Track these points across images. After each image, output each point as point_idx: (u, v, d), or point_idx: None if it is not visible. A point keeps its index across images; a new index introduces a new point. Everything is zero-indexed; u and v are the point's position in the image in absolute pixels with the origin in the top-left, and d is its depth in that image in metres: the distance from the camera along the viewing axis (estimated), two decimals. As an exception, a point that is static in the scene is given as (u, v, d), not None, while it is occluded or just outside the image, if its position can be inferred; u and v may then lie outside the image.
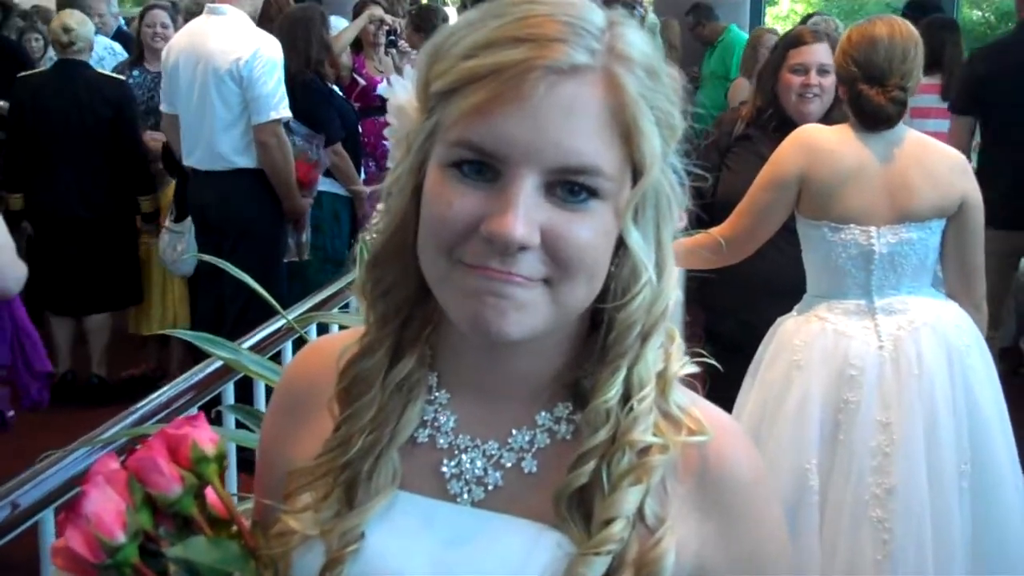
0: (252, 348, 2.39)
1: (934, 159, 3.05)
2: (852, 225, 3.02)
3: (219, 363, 2.35)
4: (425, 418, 1.06)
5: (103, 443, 2.10)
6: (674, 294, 1.03)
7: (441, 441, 1.05)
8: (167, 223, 5.50)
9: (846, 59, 3.03)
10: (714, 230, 3.14)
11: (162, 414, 2.29)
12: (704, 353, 1.25)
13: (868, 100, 2.98)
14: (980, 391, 3.03)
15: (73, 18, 5.66)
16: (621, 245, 0.99)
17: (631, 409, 0.99)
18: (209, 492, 1.12)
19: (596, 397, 0.99)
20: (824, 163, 3.04)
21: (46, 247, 5.64)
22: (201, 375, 2.45)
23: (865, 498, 2.95)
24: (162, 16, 6.25)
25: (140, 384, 5.53)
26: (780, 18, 14.51)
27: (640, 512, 0.98)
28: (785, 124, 3.64)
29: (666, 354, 1.03)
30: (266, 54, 4.72)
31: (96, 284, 5.66)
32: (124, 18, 9.17)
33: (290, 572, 1.05)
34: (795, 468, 3.00)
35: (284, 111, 4.78)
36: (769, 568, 1.06)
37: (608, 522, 0.96)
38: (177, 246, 5.34)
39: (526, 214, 0.92)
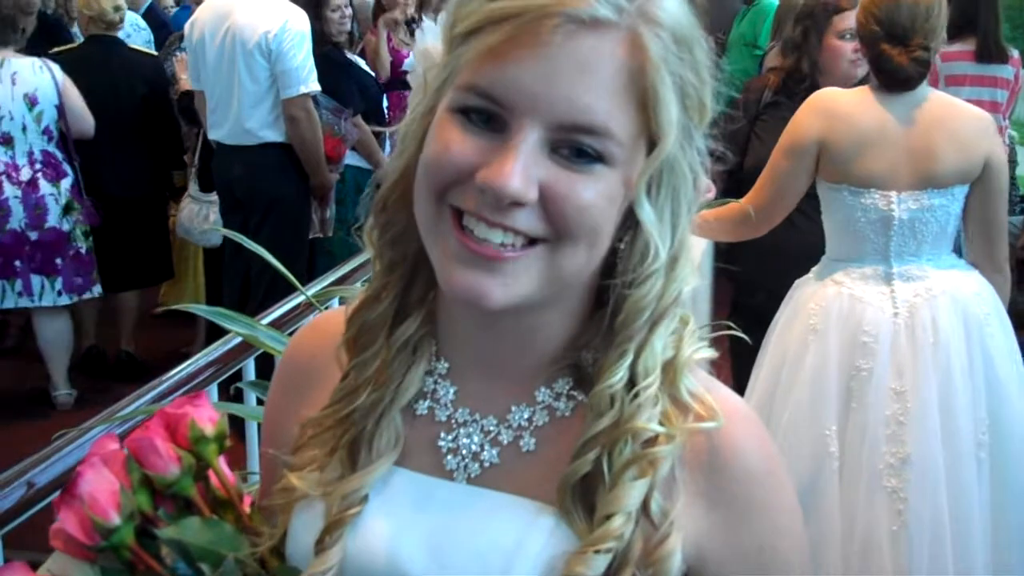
0: (272, 324, 2.36)
1: (959, 120, 2.99)
2: (873, 190, 2.97)
3: (240, 339, 2.33)
4: (425, 389, 1.04)
5: (121, 420, 2.08)
6: (692, 282, 0.99)
7: (440, 414, 1.03)
8: (191, 191, 5.48)
9: (868, 18, 2.96)
10: (741, 201, 3.09)
11: (181, 390, 2.27)
12: (732, 326, 1.20)
13: (889, 60, 2.91)
14: (999, 360, 2.98)
15: None
16: (631, 220, 0.95)
17: (635, 396, 0.95)
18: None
19: (601, 381, 0.96)
20: (842, 127, 2.98)
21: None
22: (221, 351, 2.43)
23: (879, 467, 2.92)
24: None
25: (171, 360, 5.53)
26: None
27: (645, 506, 0.94)
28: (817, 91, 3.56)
29: (678, 339, 0.99)
30: (294, 27, 4.67)
31: (128, 262, 5.67)
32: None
33: (289, 528, 1.04)
34: (814, 434, 2.97)
35: (313, 84, 4.74)
36: (780, 564, 1.01)
37: (609, 517, 0.93)
38: (210, 216, 5.31)
39: (524, 167, 0.88)
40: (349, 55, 5.59)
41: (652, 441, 0.95)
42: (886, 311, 2.98)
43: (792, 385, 3.06)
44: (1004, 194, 3.03)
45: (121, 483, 1.04)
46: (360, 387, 1.02)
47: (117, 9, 5.59)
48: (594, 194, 0.90)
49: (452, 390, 1.03)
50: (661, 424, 0.95)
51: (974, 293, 3.00)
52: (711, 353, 1.02)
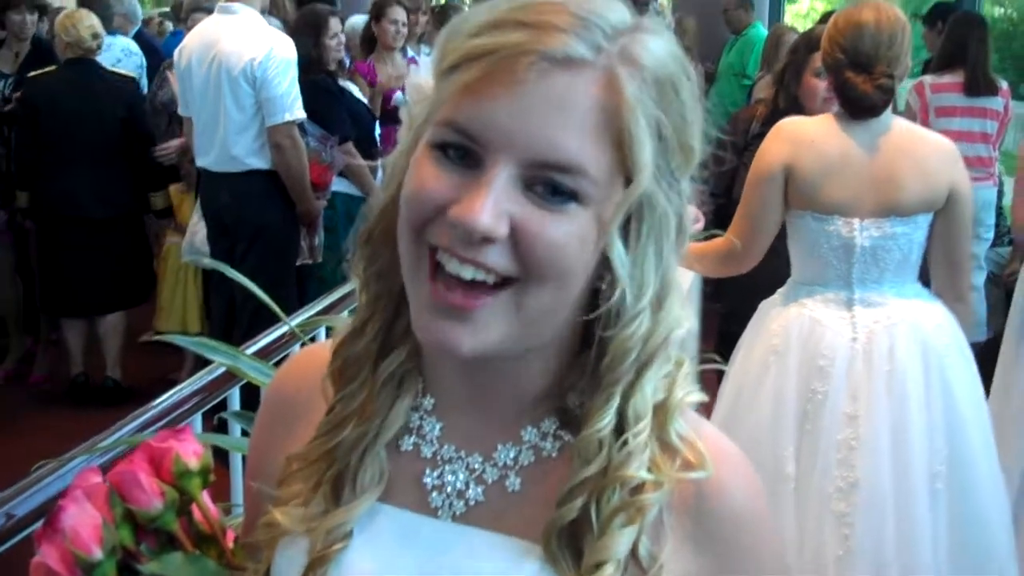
0: (257, 353, 2.34)
1: (923, 149, 3.00)
2: (836, 216, 2.98)
3: (224, 368, 2.31)
4: (410, 425, 1.03)
5: (103, 450, 2.06)
6: (685, 323, 0.98)
7: (425, 450, 1.02)
8: (197, 218, 5.42)
9: (832, 47, 2.98)
10: (726, 234, 3.10)
11: (164, 420, 2.25)
12: (717, 358, 1.20)
13: (854, 88, 2.93)
14: (959, 392, 2.98)
15: (92, 19, 5.65)
16: (611, 260, 0.94)
17: (625, 443, 0.94)
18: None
19: (588, 425, 0.94)
20: (808, 153, 2.99)
21: (58, 248, 5.65)
22: (206, 380, 2.40)
23: (829, 491, 2.92)
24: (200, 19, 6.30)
25: (159, 386, 5.51)
26: (800, 16, 14.42)
27: (634, 551, 0.93)
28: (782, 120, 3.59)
29: (670, 382, 0.97)
30: (280, 54, 4.68)
31: (109, 283, 5.65)
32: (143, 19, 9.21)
33: (273, 564, 1.03)
34: (772, 455, 2.98)
35: (299, 112, 4.74)
36: None
37: (599, 565, 0.92)
38: None
39: (495, 204, 0.88)
40: (341, 82, 5.59)
41: (640, 488, 0.94)
42: (845, 335, 2.99)
43: (752, 405, 3.08)
44: (968, 225, 3.03)
45: (103, 517, 1.03)
46: (346, 420, 1.01)
47: (95, 36, 5.60)
48: (565, 233, 0.90)
49: (438, 426, 1.02)
50: (650, 471, 0.94)
51: (935, 324, 3.01)
52: (702, 397, 1.01)
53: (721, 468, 0.98)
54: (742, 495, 1.00)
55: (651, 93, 0.91)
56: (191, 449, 1.11)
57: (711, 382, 3.38)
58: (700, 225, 3.59)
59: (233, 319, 4.82)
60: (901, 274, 3.03)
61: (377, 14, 6.13)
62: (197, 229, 5.34)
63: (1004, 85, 5.76)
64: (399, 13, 6.01)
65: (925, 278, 3.12)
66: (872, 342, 2.97)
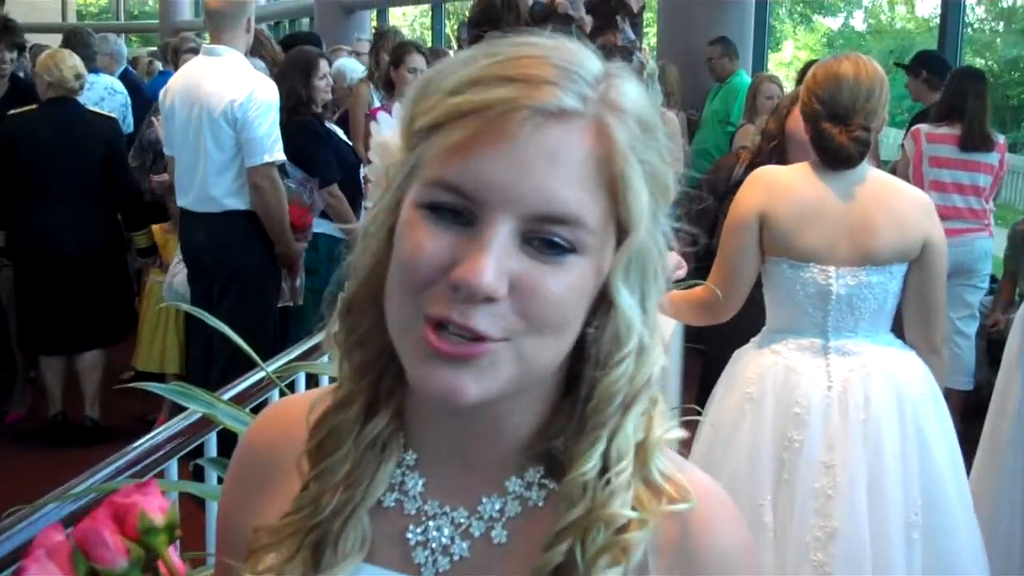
0: (233, 399, 2.31)
1: (897, 199, 3.02)
2: (812, 264, 2.99)
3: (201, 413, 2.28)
4: (392, 481, 1.00)
5: (75, 497, 2.03)
6: (660, 362, 0.97)
7: (408, 507, 1.00)
8: (178, 259, 5.42)
9: (810, 96, 3.00)
10: (707, 282, 3.10)
11: (139, 466, 2.21)
12: (697, 409, 1.19)
13: (830, 139, 2.95)
14: (934, 442, 2.98)
15: (75, 60, 5.67)
16: (601, 306, 0.94)
17: (608, 483, 0.93)
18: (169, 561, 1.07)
19: (574, 469, 0.93)
20: (782, 201, 3.00)
21: (36, 285, 5.63)
22: (181, 425, 2.36)
23: (807, 540, 2.90)
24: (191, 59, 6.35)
25: (139, 427, 5.47)
26: (783, 64, 14.55)
27: None
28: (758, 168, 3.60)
29: (648, 420, 0.97)
30: (260, 96, 4.68)
31: (86, 320, 5.64)
32: (129, 60, 9.28)
33: None
34: (750, 504, 2.95)
35: (278, 154, 4.73)
36: None
37: None
38: None
39: (497, 262, 0.86)
40: (328, 124, 5.61)
41: (625, 527, 0.93)
42: (820, 384, 2.99)
43: (728, 452, 3.06)
44: (942, 276, 3.04)
45: (67, 577, 1.01)
46: (325, 494, 0.98)
47: (77, 76, 5.61)
48: (564, 286, 0.89)
49: (421, 482, 1.00)
50: (634, 508, 0.93)
51: (910, 373, 3.01)
52: (681, 433, 1.01)
53: (706, 507, 0.97)
54: (728, 534, 0.99)
55: (640, 137, 0.91)
56: (156, 504, 1.09)
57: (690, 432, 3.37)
58: (683, 271, 3.60)
59: (211, 361, 4.79)
60: (875, 323, 3.04)
61: (396, 61, 6.15)
62: (178, 271, 5.34)
63: (1001, 139, 5.81)
64: (418, 60, 6.04)
65: (899, 331, 3.13)
66: (847, 391, 2.97)
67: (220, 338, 4.51)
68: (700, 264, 3.63)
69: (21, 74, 6.88)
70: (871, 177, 3.03)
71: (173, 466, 2.40)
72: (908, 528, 2.91)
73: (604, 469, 0.93)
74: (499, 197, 0.87)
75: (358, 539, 0.98)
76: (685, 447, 1.04)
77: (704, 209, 3.85)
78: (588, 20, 2.97)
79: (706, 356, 4.03)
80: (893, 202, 2.99)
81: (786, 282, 3.03)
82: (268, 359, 2.90)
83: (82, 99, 5.77)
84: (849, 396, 2.96)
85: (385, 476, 0.99)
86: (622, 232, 0.92)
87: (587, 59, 0.92)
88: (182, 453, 2.40)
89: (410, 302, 0.90)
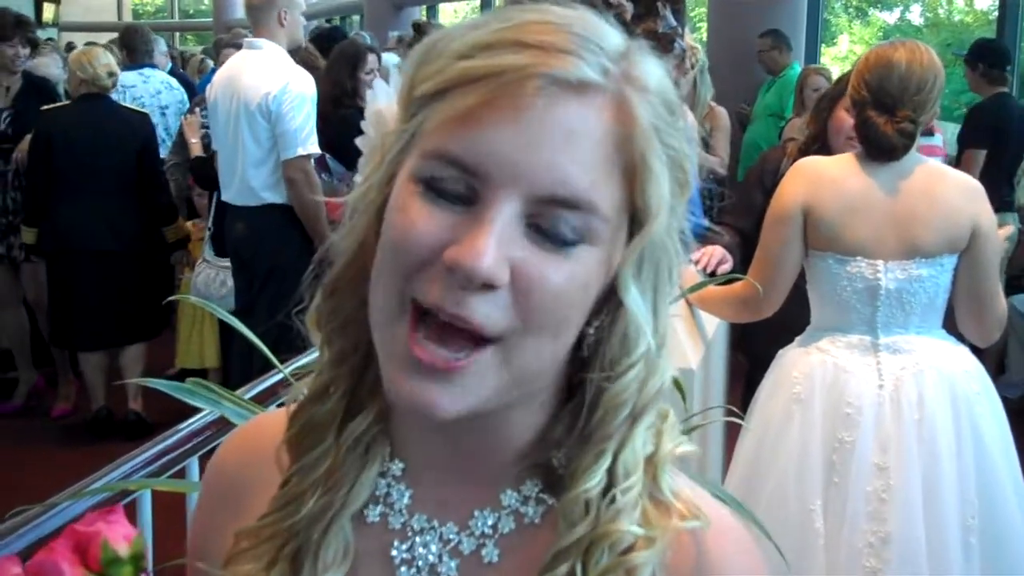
0: (254, 398, 2.23)
1: (943, 187, 2.89)
2: (859, 258, 2.87)
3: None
4: (377, 493, 0.92)
5: (90, 495, 1.97)
6: (672, 370, 0.88)
7: (393, 521, 0.91)
8: (206, 255, 5.47)
9: (859, 81, 2.88)
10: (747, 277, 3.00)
11: (155, 465, 2.16)
12: (736, 412, 1.10)
13: (874, 128, 2.83)
14: (989, 441, 2.85)
15: (108, 57, 5.72)
16: (606, 304, 0.84)
17: (613, 500, 0.84)
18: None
19: (576, 486, 0.84)
20: (827, 193, 2.89)
21: (75, 282, 5.63)
22: (197, 424, 2.29)
23: (859, 546, 2.78)
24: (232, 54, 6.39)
25: (182, 420, 5.46)
26: (838, 58, 14.33)
27: None
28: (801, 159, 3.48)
29: (657, 433, 0.88)
30: (295, 89, 4.66)
31: (129, 316, 5.65)
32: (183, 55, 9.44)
33: None
34: (800, 509, 2.85)
35: (312, 147, 4.70)
36: None
37: None
38: (227, 281, 5.28)
39: (499, 245, 0.77)
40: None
41: (631, 547, 0.84)
42: (871, 382, 2.87)
43: (776, 456, 2.94)
44: (994, 264, 2.92)
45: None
46: (305, 492, 0.90)
47: (111, 74, 5.67)
48: (569, 278, 0.80)
49: (407, 494, 0.91)
50: (640, 527, 0.84)
51: (963, 370, 2.89)
52: (693, 448, 0.92)
53: (722, 536, 0.88)
54: (743, 562, 0.90)
55: (663, 117, 0.83)
56: (121, 533, 1.01)
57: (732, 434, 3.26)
58: (728, 266, 3.50)
59: (252, 355, 4.76)
60: (927, 319, 2.92)
61: None
62: (200, 270, 5.38)
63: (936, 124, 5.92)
64: None
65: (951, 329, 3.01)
66: (900, 389, 2.85)
67: (261, 333, 4.49)
68: (746, 258, 3.53)
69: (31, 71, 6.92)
70: (919, 168, 2.91)
71: (194, 464, 2.34)
72: (965, 532, 2.79)
73: (609, 486, 0.85)
74: (506, 173, 0.78)
75: (340, 550, 0.90)
76: (728, 451, 0.95)
77: (751, 202, 3.75)
78: (629, 7, 2.89)
79: (752, 355, 3.92)
80: (940, 191, 2.87)
81: (832, 277, 2.92)
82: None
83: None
84: (902, 395, 2.85)
85: (368, 482, 0.91)
86: (636, 223, 0.83)
87: (608, 32, 0.84)
88: (203, 451, 2.33)
89: (396, 290, 0.82)
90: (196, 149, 5.74)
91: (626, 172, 0.81)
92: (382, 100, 1.30)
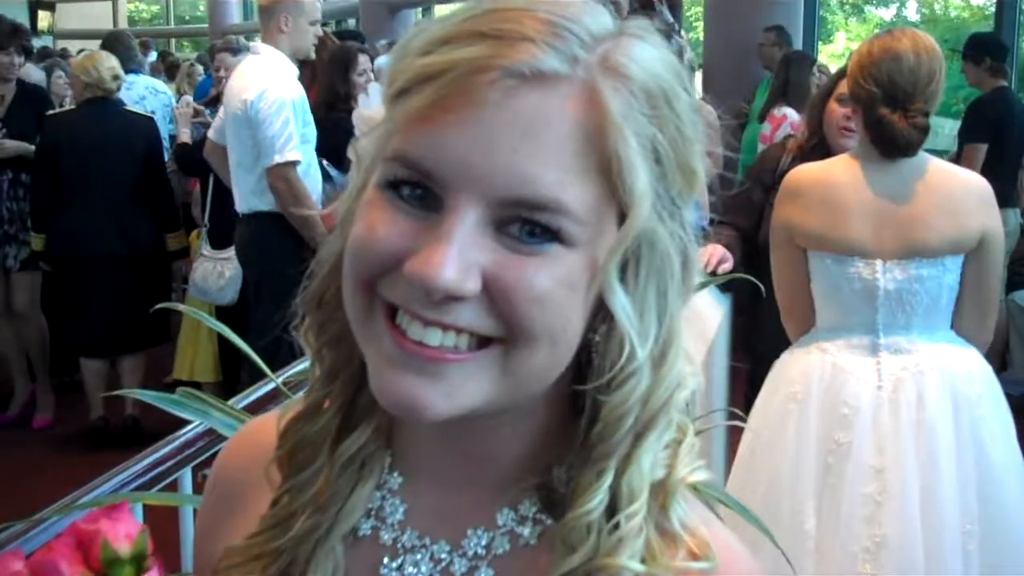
0: (248, 407, 2.19)
1: (950, 187, 2.81)
2: (856, 258, 2.81)
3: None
4: (370, 506, 0.87)
5: (80, 508, 1.92)
6: (689, 383, 0.82)
7: (384, 536, 0.86)
8: (203, 250, 5.48)
9: (865, 76, 2.77)
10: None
11: (147, 476, 2.12)
12: (739, 414, 1.05)
13: (890, 126, 2.73)
14: (992, 445, 2.78)
15: (112, 61, 5.71)
16: (606, 309, 0.78)
17: (616, 527, 0.78)
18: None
19: (576, 507, 0.79)
20: (806, 204, 2.86)
21: (83, 287, 5.62)
22: (191, 434, 2.25)
23: (854, 550, 2.73)
24: (226, 58, 6.46)
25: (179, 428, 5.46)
26: (836, 56, 14.28)
27: None
28: (830, 157, 3.43)
29: (672, 455, 0.82)
30: (272, 95, 4.56)
31: (131, 323, 5.62)
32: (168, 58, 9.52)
33: None
34: (791, 509, 2.80)
35: (290, 154, 4.58)
36: None
37: None
38: (225, 271, 5.30)
39: (460, 254, 0.73)
40: (364, 121, 5.59)
41: None
42: (869, 383, 2.82)
43: (770, 455, 2.90)
44: (998, 267, 2.89)
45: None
46: (295, 513, 0.86)
47: (115, 78, 5.67)
48: (549, 280, 0.74)
49: (401, 508, 0.87)
50: (643, 562, 0.78)
51: (967, 371, 2.83)
52: (708, 476, 0.85)
53: (732, 570, 0.82)
54: None
55: (642, 108, 0.76)
56: (123, 532, 0.96)
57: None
58: (729, 265, 3.45)
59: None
60: (931, 320, 2.85)
61: None
62: (198, 265, 5.40)
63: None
64: None
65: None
66: (899, 390, 2.79)
67: (256, 340, 4.46)
68: (747, 257, 3.50)
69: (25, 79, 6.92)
70: (926, 164, 2.83)
71: (187, 475, 2.29)
72: (964, 539, 2.73)
73: (612, 510, 0.79)
74: (463, 177, 0.73)
75: (328, 571, 0.85)
76: (730, 453, 0.90)
77: (750, 200, 3.71)
78: (625, 2, 2.86)
79: (755, 355, 3.87)
80: (946, 190, 2.80)
81: (831, 277, 2.88)
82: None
83: (122, 98, 5.81)
84: (900, 395, 2.79)
85: (361, 500, 0.87)
86: (623, 221, 0.77)
87: (589, 14, 0.77)
88: (196, 462, 2.28)
89: (364, 295, 0.78)
90: (184, 138, 5.82)
91: (601, 168, 0.75)
92: (374, 102, 1.25)
